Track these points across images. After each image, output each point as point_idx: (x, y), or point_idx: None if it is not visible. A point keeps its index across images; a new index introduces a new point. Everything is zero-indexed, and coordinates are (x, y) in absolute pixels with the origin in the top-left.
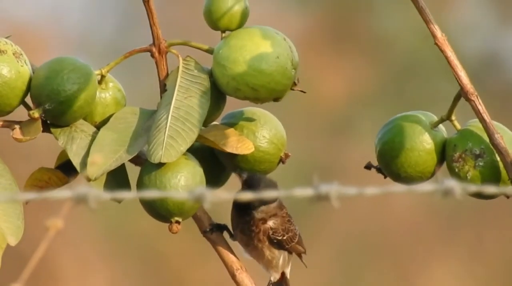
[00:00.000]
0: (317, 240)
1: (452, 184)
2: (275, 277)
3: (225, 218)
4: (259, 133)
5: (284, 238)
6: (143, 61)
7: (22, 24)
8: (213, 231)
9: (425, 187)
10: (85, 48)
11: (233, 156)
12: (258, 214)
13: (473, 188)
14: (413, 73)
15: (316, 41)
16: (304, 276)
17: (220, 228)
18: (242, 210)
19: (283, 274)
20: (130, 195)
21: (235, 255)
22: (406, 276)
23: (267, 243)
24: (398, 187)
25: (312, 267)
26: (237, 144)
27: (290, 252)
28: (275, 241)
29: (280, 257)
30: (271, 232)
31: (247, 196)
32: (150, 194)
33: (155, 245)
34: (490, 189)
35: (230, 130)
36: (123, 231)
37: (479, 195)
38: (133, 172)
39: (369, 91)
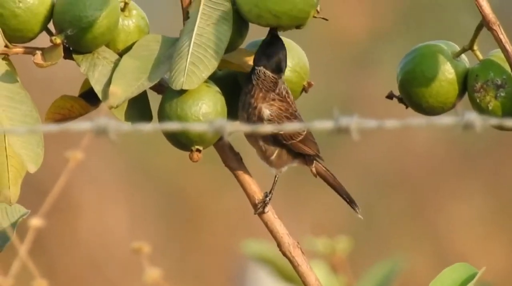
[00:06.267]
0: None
1: (473, 116)
2: (276, 173)
3: (246, 146)
4: None
5: (281, 132)
6: None
7: None
8: (264, 208)
9: (445, 119)
10: None
11: None
12: (257, 83)
13: (494, 120)
14: (434, 6)
15: None
16: (321, 212)
17: (267, 202)
18: (250, 73)
19: (317, 169)
20: (150, 126)
21: (257, 186)
22: (424, 211)
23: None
24: (418, 120)
25: (329, 203)
26: None
27: (290, 150)
28: (270, 135)
29: (275, 152)
30: (265, 123)
31: (268, 128)
32: (170, 125)
33: (175, 178)
34: (510, 122)
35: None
36: (142, 165)
37: (500, 127)
38: (154, 101)
39: (390, 24)
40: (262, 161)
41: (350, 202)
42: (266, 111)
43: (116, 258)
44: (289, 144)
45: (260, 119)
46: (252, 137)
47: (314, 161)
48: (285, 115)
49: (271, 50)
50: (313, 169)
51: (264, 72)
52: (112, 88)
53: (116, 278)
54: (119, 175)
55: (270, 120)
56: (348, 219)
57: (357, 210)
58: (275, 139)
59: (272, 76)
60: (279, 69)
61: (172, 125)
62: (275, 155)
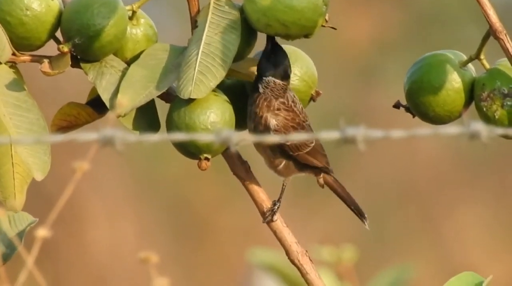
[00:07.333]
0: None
1: (479, 126)
2: (284, 180)
3: (255, 155)
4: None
5: (287, 143)
6: None
7: None
8: (272, 216)
9: (451, 129)
10: None
11: None
12: (264, 91)
13: (499, 130)
14: (439, 18)
15: None
16: (329, 222)
17: (275, 210)
18: (255, 83)
19: (326, 180)
20: (157, 137)
21: (265, 194)
22: (431, 221)
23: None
24: (424, 130)
25: (338, 213)
26: None
27: (298, 161)
28: (276, 145)
29: (283, 162)
30: (272, 133)
31: (274, 138)
32: (176, 136)
33: (182, 189)
34: None
35: None
36: (150, 176)
37: (506, 136)
38: (163, 109)
39: (396, 36)
40: (270, 169)
41: (359, 213)
42: (273, 121)
43: (123, 267)
44: (295, 155)
45: (267, 128)
46: (260, 147)
47: (322, 173)
48: (291, 125)
49: (276, 59)
50: (320, 180)
51: (274, 81)
52: (119, 98)
53: None
54: (126, 186)
55: (276, 131)
56: (356, 228)
57: (365, 222)
58: (282, 150)
59: (282, 83)
60: (287, 76)
61: (179, 136)
62: (282, 165)
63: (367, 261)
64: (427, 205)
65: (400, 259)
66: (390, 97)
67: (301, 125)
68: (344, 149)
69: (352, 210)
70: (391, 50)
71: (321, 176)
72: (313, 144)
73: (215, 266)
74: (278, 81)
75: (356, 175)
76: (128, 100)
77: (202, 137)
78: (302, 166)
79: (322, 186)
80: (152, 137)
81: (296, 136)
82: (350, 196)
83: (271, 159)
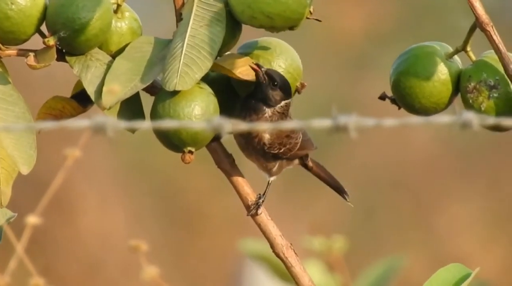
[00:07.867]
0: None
1: (470, 116)
2: (272, 178)
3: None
4: (275, 63)
5: (281, 151)
6: None
7: None
8: (257, 210)
9: (443, 118)
10: None
11: (249, 85)
12: (272, 116)
13: (491, 120)
14: (433, 8)
15: None
16: (318, 212)
17: (260, 204)
18: (249, 101)
19: (305, 165)
20: (148, 124)
21: (249, 187)
22: (422, 211)
23: (261, 152)
24: (416, 119)
25: (328, 202)
26: (253, 71)
27: (290, 159)
28: (270, 154)
29: (276, 164)
30: (266, 147)
31: (265, 125)
32: (168, 123)
33: (173, 178)
34: (508, 121)
35: (246, 59)
36: (141, 164)
37: (495, 128)
38: (147, 103)
39: (389, 27)
40: (263, 172)
41: (340, 190)
42: (266, 136)
43: (113, 256)
44: (287, 157)
45: (260, 145)
46: (253, 156)
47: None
48: (286, 135)
49: (278, 82)
50: (310, 163)
51: (285, 103)
52: (111, 86)
53: (113, 276)
54: (118, 174)
55: (270, 145)
56: (346, 219)
57: (346, 197)
58: (275, 157)
59: (289, 101)
60: (290, 91)
61: (170, 123)
62: (276, 167)
63: (357, 252)
64: (418, 196)
65: (390, 250)
66: (382, 88)
67: (293, 137)
68: (336, 140)
69: (333, 188)
70: (384, 41)
71: (309, 159)
72: (300, 138)
73: (205, 255)
74: (288, 101)
75: (347, 165)
76: (117, 90)
77: (194, 125)
78: (292, 161)
79: (311, 168)
80: (143, 125)
81: (287, 125)
82: (331, 175)
83: (264, 165)
